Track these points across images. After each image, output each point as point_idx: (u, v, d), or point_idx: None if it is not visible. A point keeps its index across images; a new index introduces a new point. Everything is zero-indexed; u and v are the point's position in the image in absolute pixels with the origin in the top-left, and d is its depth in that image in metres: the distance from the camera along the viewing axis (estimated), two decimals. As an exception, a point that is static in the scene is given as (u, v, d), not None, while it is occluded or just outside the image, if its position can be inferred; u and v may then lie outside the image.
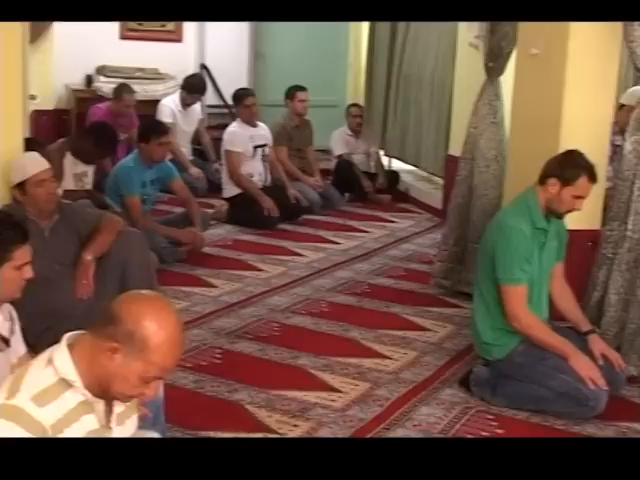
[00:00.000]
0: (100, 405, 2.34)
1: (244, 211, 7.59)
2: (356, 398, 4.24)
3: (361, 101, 10.07)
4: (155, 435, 2.83)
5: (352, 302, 5.70)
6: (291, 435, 3.83)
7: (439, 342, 5.05)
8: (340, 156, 9.03)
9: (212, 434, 3.78)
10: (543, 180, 4.20)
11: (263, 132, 8.00)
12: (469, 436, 3.93)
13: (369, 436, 3.86)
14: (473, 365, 4.47)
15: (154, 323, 2.23)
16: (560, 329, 4.35)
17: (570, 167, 4.14)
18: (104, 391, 2.30)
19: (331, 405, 4.15)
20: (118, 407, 2.41)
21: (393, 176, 9.33)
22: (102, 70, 9.71)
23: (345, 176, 8.87)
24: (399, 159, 9.58)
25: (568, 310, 4.43)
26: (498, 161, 5.69)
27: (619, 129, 5.36)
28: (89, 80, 9.72)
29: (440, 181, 8.43)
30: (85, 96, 9.47)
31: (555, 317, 4.46)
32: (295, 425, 3.93)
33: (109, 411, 2.38)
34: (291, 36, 10.50)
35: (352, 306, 5.63)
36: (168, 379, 3.93)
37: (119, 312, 2.25)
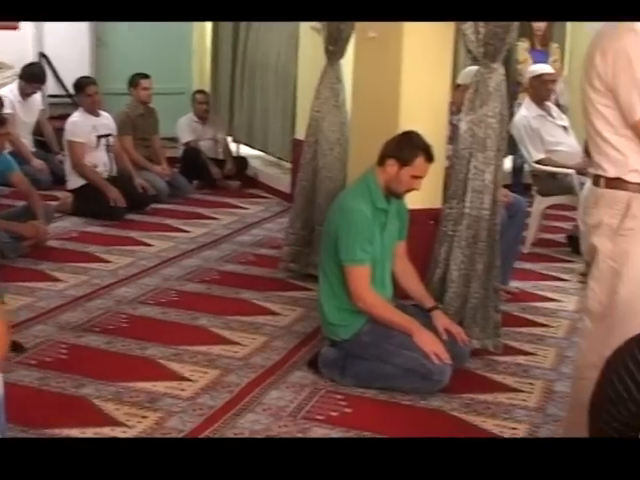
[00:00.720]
0: None
1: (89, 202, 7.42)
2: (206, 386, 4.22)
3: (207, 87, 10.00)
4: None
5: (201, 290, 5.67)
6: (139, 427, 3.77)
7: (288, 326, 5.08)
8: (187, 143, 8.96)
9: (57, 431, 3.69)
10: (382, 161, 4.27)
11: (106, 121, 7.83)
12: (319, 417, 3.96)
13: (219, 423, 3.85)
14: (322, 347, 4.51)
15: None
16: (404, 307, 4.44)
17: (407, 148, 4.22)
18: None
19: (180, 394, 4.11)
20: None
21: (241, 162, 9.31)
22: None
23: (193, 163, 8.81)
24: (247, 145, 9.57)
25: (411, 288, 4.52)
26: (341, 144, 5.76)
27: (456, 109, 5.49)
28: None
29: (288, 165, 8.46)
30: None
31: (399, 295, 4.55)
32: (144, 417, 3.87)
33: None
34: (133, 23, 10.30)
35: (201, 294, 5.59)
36: (10, 378, 3.82)
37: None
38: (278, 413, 3.98)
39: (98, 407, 3.95)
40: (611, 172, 3.29)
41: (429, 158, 4.23)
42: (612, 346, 3.04)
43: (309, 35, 7.44)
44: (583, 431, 3.08)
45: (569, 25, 9.19)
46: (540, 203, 6.87)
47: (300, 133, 7.52)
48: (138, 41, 10.43)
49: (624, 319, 3.24)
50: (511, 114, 7.03)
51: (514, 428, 3.96)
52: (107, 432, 3.71)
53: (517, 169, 8.51)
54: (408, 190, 4.31)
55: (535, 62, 7.95)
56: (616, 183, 3.29)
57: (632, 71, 3.16)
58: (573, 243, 6.69)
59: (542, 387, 4.42)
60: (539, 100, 6.95)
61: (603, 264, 3.34)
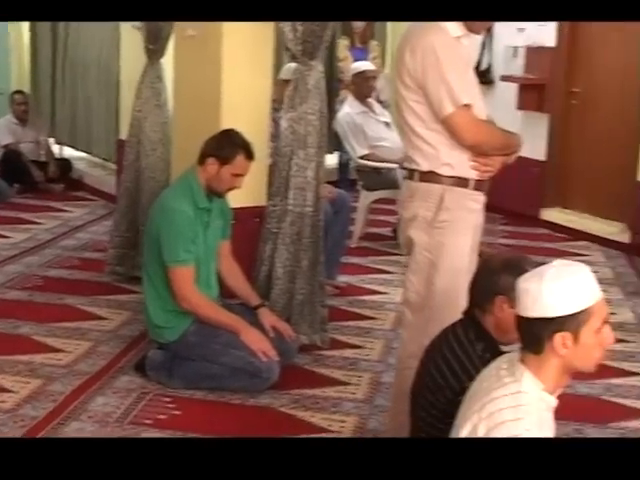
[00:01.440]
0: None
1: None
2: (27, 396, 4.08)
3: (27, 87, 9.67)
4: None
5: (23, 297, 5.47)
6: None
7: (115, 330, 4.97)
8: (6, 146, 8.65)
9: None
10: (202, 160, 4.24)
11: None
12: (147, 421, 3.90)
13: (43, 433, 3.73)
14: (149, 350, 4.44)
15: None
16: (231, 306, 4.43)
17: (227, 146, 4.21)
18: None
19: (0, 407, 3.96)
20: None
21: (65, 164, 9.04)
22: None
23: (13, 166, 8.51)
24: (70, 146, 9.33)
25: (237, 286, 4.51)
26: (164, 143, 5.69)
27: (279, 105, 5.50)
28: None
29: (114, 167, 8.28)
30: None
31: (225, 294, 4.53)
32: (-38, 432, 3.72)
33: None
34: (-55, 21, 9.88)
35: (22, 301, 5.40)
36: None
37: None
38: (104, 420, 3.90)
39: None
40: (424, 166, 3.37)
41: (249, 156, 4.23)
42: (431, 336, 3.13)
43: (130, 33, 7.28)
44: (406, 420, 3.15)
45: (389, 23, 9.38)
46: (366, 198, 6.99)
47: (124, 133, 7.37)
48: (-49, 40, 10.00)
49: (441, 309, 3.33)
50: (332, 111, 7.14)
51: (342, 421, 4.02)
52: None
53: (342, 165, 8.63)
54: (230, 189, 4.30)
55: (355, 59, 8.09)
56: (429, 177, 3.37)
57: (440, 68, 3.25)
58: (398, 236, 6.83)
59: (370, 379, 4.49)
60: (361, 97, 7.07)
61: (419, 256, 3.42)
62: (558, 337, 2.25)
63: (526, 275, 2.34)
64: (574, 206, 7.82)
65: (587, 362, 2.32)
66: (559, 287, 2.24)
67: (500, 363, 2.43)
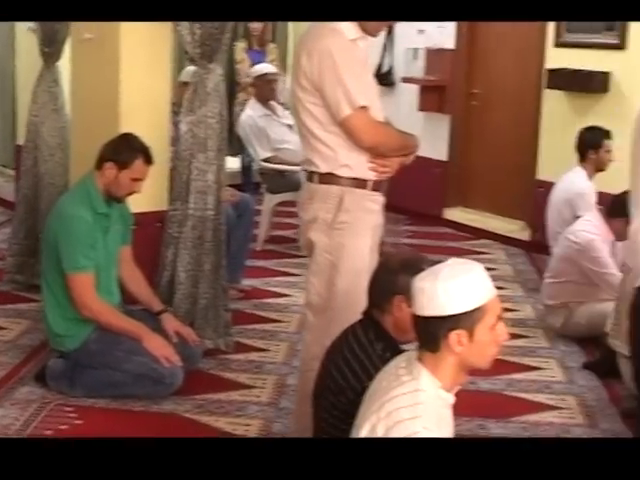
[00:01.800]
0: None
1: None
2: None
3: None
4: None
5: None
6: None
7: (14, 340, 4.86)
8: None
9: None
10: (100, 165, 4.18)
11: None
12: (47, 432, 3.83)
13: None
14: (50, 359, 4.35)
15: None
16: (132, 312, 4.38)
17: (125, 150, 4.17)
18: None
19: None
20: None
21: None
22: None
23: None
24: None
25: (139, 292, 4.46)
26: (62, 148, 5.59)
27: (179, 109, 5.46)
28: None
29: (12, 173, 8.09)
30: None
31: (127, 301, 4.47)
32: None
33: None
34: None
35: None
36: None
37: None
38: (3, 432, 3.81)
39: None
40: (323, 168, 3.39)
41: (148, 160, 4.19)
42: (333, 337, 3.14)
43: (26, 36, 7.15)
44: (310, 421, 3.16)
45: (291, 25, 9.39)
46: (270, 201, 6.98)
47: (22, 138, 7.23)
48: None
49: (343, 310, 3.34)
50: (232, 114, 7.12)
51: (247, 425, 4.01)
52: None
53: (246, 168, 8.60)
54: (129, 193, 4.25)
55: (253, 62, 8.08)
56: (328, 178, 3.39)
57: (337, 70, 3.27)
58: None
59: (275, 382, 4.49)
60: (264, 99, 7.06)
61: (320, 258, 3.43)
62: (453, 335, 2.28)
63: (421, 274, 2.37)
64: (475, 205, 7.95)
65: (482, 359, 2.36)
66: (453, 286, 2.27)
67: (398, 362, 2.45)
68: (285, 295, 5.86)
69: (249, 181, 8.51)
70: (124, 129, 4.60)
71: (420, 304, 2.32)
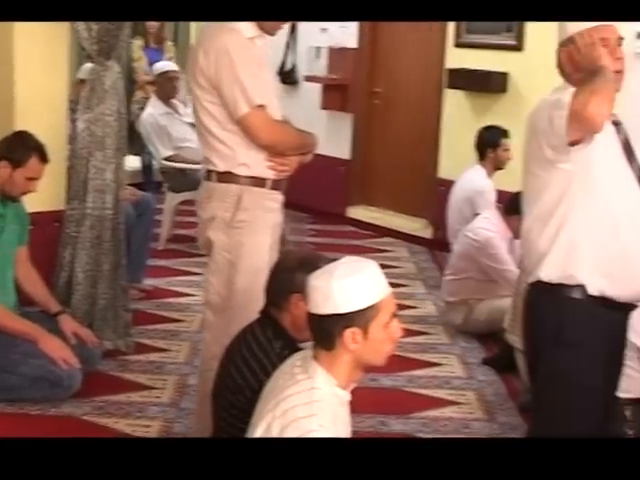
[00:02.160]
0: None
1: None
2: None
3: None
4: None
5: None
6: None
7: None
8: None
9: None
10: (-6, 163, 4.09)
11: None
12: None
13: None
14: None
15: None
16: (29, 314, 4.30)
17: (19, 149, 4.09)
18: None
19: None
20: None
21: None
22: None
23: None
24: None
25: (36, 293, 4.38)
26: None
27: (76, 106, 5.37)
28: None
29: None
30: None
31: (24, 302, 4.38)
32: None
33: None
34: None
35: None
36: None
37: None
38: None
39: None
40: (221, 166, 3.38)
41: (43, 158, 4.11)
42: (233, 336, 3.13)
43: None
44: (210, 421, 3.14)
45: (193, 23, 9.32)
46: (172, 199, 6.92)
47: None
48: None
49: (242, 309, 3.33)
50: (130, 112, 7.03)
51: (147, 426, 3.97)
52: None
53: (147, 167, 8.49)
54: (24, 192, 4.17)
55: (150, 60, 8.01)
56: (227, 177, 3.38)
57: (234, 69, 3.26)
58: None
59: (176, 382, 4.45)
60: (165, 97, 7.00)
61: (219, 256, 3.42)
62: (348, 333, 2.29)
63: (316, 273, 2.37)
64: (378, 203, 8.01)
65: (377, 356, 2.38)
66: (348, 284, 2.28)
67: (294, 360, 2.45)
68: (187, 294, 5.82)
69: (150, 180, 8.41)
70: (19, 127, 4.50)
71: (315, 302, 2.33)
